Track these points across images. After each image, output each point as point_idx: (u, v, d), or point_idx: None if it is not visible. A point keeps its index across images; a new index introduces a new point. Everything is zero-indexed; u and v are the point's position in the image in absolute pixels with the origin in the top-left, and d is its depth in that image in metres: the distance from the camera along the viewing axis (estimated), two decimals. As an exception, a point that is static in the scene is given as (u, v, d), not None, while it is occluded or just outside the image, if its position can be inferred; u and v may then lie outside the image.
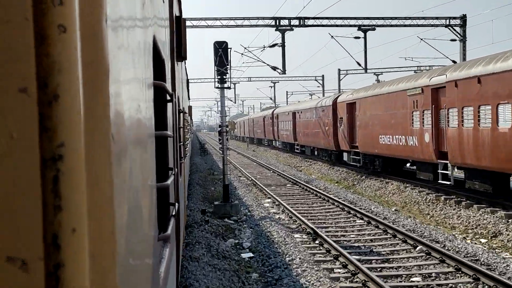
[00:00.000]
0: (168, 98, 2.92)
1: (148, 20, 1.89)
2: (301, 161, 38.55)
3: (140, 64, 1.56)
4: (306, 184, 23.65)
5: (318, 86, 66.74)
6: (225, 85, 18.14)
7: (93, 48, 0.85)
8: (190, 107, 23.89)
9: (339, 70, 57.00)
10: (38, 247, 0.72)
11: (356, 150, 27.21)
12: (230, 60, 17.91)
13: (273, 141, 57.16)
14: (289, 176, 27.37)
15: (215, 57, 17.61)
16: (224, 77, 17.90)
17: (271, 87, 77.42)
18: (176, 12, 5.10)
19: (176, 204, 3.20)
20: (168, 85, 3.27)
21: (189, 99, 25.85)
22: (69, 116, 0.74)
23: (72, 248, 0.74)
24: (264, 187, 23.41)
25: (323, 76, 66.99)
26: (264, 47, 35.83)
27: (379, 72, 59.67)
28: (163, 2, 2.99)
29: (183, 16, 6.22)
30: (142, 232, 1.49)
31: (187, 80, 20.87)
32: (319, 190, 21.32)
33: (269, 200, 20.41)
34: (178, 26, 4.95)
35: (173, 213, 2.93)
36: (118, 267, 0.97)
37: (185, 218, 9.77)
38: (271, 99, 75.87)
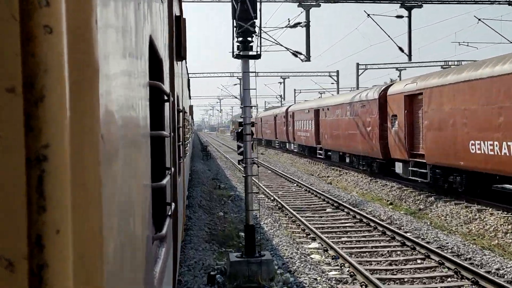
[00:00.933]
0: (165, 98, 2.91)
1: (144, 20, 1.88)
2: (326, 170, 31.04)
3: (134, 64, 1.55)
4: (356, 210, 16.60)
5: (332, 83, 60.24)
6: (251, 53, 10.64)
7: (82, 48, 0.85)
8: (191, 107, 23.54)
9: (358, 64, 49.28)
10: (23, 247, 0.72)
11: (420, 160, 19.37)
12: (260, 13, 10.41)
13: (287, 144, 48.89)
14: (323, 194, 20.41)
15: (234, 5, 10.06)
16: (250, 39, 10.40)
17: (280, 83, 69.47)
18: (176, 11, 5.06)
19: (173, 204, 3.17)
20: (166, 85, 3.28)
21: (190, 98, 25.46)
22: (55, 117, 0.74)
23: (56, 249, 0.73)
24: (296, 214, 16.37)
25: (337, 72, 58.85)
26: (288, 25, 27.59)
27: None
28: (161, 1, 2.99)
29: (184, 16, 6.12)
30: (135, 232, 1.48)
31: (188, 79, 20.10)
32: (385, 225, 13.97)
33: (316, 244, 12.89)
34: (178, 25, 4.94)
35: (169, 213, 2.90)
36: (106, 267, 0.97)
37: (184, 218, 9.40)
38: (280, 96, 67.72)
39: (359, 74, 50.19)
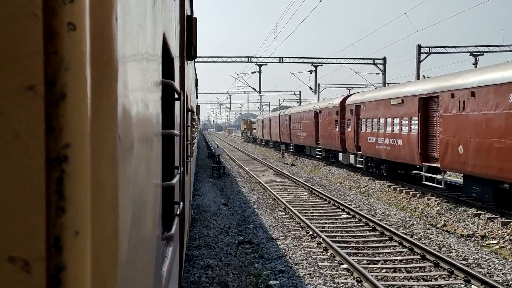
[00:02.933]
0: (176, 96, 2.88)
1: (159, 18, 1.87)
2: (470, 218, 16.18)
3: (149, 63, 1.54)
4: None
5: (378, 73, 49.65)
6: None
7: (102, 46, 0.84)
8: (198, 106, 23.70)
9: (419, 46, 39.10)
10: (41, 248, 0.71)
11: None
12: None
13: (340, 154, 31.57)
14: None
15: None
16: None
17: (311, 72, 60.16)
18: (187, 11, 5.03)
19: (181, 203, 3.15)
20: (177, 84, 3.27)
21: (197, 98, 25.53)
22: (76, 116, 0.73)
23: (74, 251, 0.73)
24: None
25: (384, 59, 47.61)
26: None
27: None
28: (174, 0, 3.00)
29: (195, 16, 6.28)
30: (146, 232, 1.48)
31: (196, 79, 20.06)
32: None
33: None
34: (189, 25, 4.90)
35: (178, 212, 2.87)
36: (120, 268, 0.96)
37: (190, 216, 9.51)
38: (310, 89, 59.46)
39: (421, 60, 39.90)
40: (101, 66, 0.84)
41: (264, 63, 55.11)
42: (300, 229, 14.62)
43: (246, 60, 55.36)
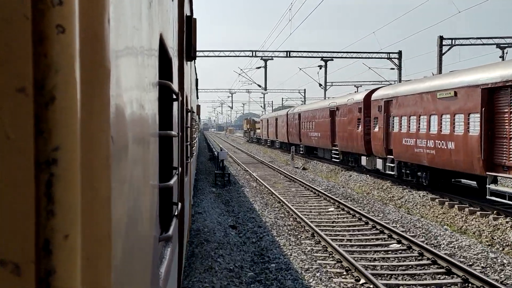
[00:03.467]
0: (174, 97, 2.88)
1: (155, 19, 1.86)
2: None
3: (145, 64, 1.54)
4: None
5: (392, 68, 47.17)
6: None
7: (94, 48, 0.84)
8: (198, 106, 23.51)
9: (441, 37, 36.55)
10: (31, 252, 0.71)
11: None
12: None
13: (364, 158, 26.99)
14: None
15: None
16: None
17: (321, 67, 52.59)
18: (186, 11, 5.03)
19: (179, 204, 3.13)
20: (175, 84, 3.29)
21: (197, 98, 25.00)
22: (65, 119, 0.73)
23: (64, 254, 0.73)
24: None
25: (400, 52, 45.67)
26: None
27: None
28: (172, 1, 2.99)
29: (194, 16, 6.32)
30: (142, 233, 1.48)
31: (196, 79, 19.68)
32: None
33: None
34: (188, 25, 4.90)
35: (176, 213, 2.90)
36: (114, 270, 0.96)
37: (190, 217, 9.48)
38: (320, 85, 54.51)
39: (443, 53, 37.16)
40: (93, 68, 0.83)
41: (270, 58, 50.77)
42: (344, 273, 10.24)
43: (251, 55, 51.09)
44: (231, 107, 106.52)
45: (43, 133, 0.71)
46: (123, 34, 1.11)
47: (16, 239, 0.70)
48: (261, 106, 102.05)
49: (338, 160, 32.15)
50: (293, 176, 27.48)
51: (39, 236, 0.71)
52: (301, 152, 43.60)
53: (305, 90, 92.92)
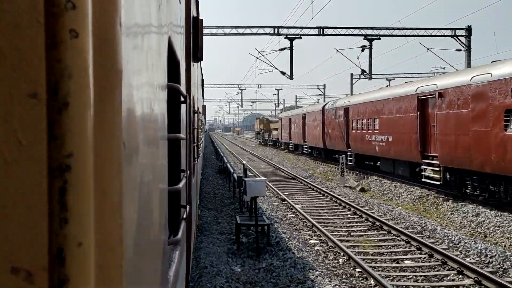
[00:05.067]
0: (182, 99, 2.87)
1: (164, 22, 1.86)
2: None
3: (155, 67, 1.54)
4: None
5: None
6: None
7: (106, 53, 0.84)
8: (204, 106, 23.57)
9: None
10: (44, 260, 0.70)
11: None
12: None
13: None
14: None
15: None
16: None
17: (364, 48, 41.82)
18: (193, 13, 5.07)
19: (187, 206, 3.12)
20: (183, 87, 3.30)
21: (203, 98, 25.21)
22: (78, 125, 0.73)
23: (77, 262, 0.72)
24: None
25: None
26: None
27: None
28: (180, 3, 2.99)
29: (200, 17, 6.32)
30: (153, 237, 1.47)
31: (202, 80, 20.11)
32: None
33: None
34: (195, 27, 4.91)
35: (184, 216, 2.87)
36: (126, 275, 0.96)
37: (197, 218, 9.38)
38: (363, 72, 41.22)
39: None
40: (105, 73, 0.83)
41: (298, 36, 38.61)
42: None
43: (272, 32, 38.91)
44: (241, 105, 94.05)
45: (56, 139, 0.71)
46: (134, 37, 1.10)
47: (29, 247, 0.70)
48: (275, 104, 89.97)
49: (436, 181, 19.13)
50: (373, 214, 15.39)
51: (52, 244, 0.70)
52: (349, 163, 30.07)
53: (324, 85, 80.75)
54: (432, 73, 55.88)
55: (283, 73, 39.60)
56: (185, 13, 3.80)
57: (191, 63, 4.71)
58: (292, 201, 18.82)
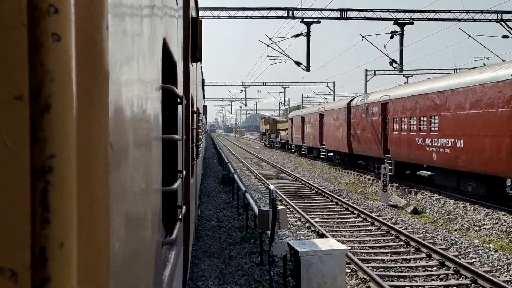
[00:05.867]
0: (178, 100, 2.89)
1: (158, 23, 1.86)
2: None
3: (147, 69, 1.53)
4: None
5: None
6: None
7: (92, 55, 0.84)
8: (204, 107, 22.94)
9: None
10: (27, 259, 0.72)
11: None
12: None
13: None
14: None
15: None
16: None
17: (393, 34, 34.75)
18: (192, 13, 5.04)
19: (184, 207, 3.17)
20: (180, 87, 3.29)
21: (204, 98, 24.81)
22: (61, 127, 0.74)
23: (59, 262, 0.73)
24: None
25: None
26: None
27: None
28: (177, 4, 3.00)
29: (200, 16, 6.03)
30: (145, 237, 1.47)
31: (203, 79, 19.74)
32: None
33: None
34: (193, 27, 4.92)
35: (180, 217, 2.90)
36: (114, 276, 0.96)
37: (196, 218, 9.07)
38: (393, 62, 33.82)
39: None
40: (91, 75, 0.83)
41: (316, 20, 32.78)
42: None
43: (285, 15, 33.46)
44: (245, 104, 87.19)
45: (39, 141, 0.72)
46: (123, 40, 1.10)
47: (13, 247, 0.71)
48: (280, 103, 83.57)
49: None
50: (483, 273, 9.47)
51: (35, 244, 0.71)
52: (391, 173, 22.92)
53: (334, 83, 74.92)
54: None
55: (298, 64, 33.66)
56: (183, 14, 3.82)
57: (190, 63, 4.71)
58: (333, 235, 12.92)
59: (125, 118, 1.14)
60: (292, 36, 33.10)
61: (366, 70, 57.65)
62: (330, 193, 19.86)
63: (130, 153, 1.20)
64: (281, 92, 79.55)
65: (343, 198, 19.11)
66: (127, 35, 1.16)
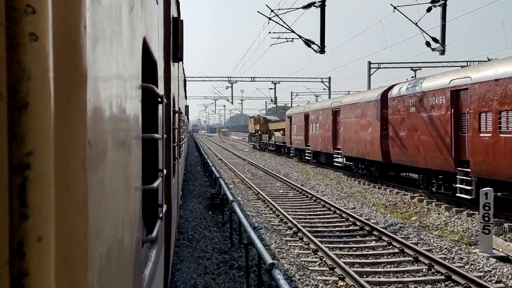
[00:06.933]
0: (159, 100, 2.87)
1: (137, 23, 1.87)
2: None
3: (126, 68, 1.54)
4: None
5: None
6: None
7: (70, 55, 0.85)
8: (186, 107, 22.72)
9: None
10: (5, 253, 0.72)
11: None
12: None
13: None
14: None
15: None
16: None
17: (429, 10, 27.89)
18: (173, 13, 5.01)
19: (165, 205, 3.12)
20: (161, 87, 3.26)
21: (186, 98, 23.89)
22: (38, 124, 0.74)
23: (37, 256, 0.74)
24: None
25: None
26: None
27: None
28: (157, 4, 2.99)
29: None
30: (123, 235, 1.47)
31: (184, 79, 19.63)
32: None
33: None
34: (175, 27, 4.88)
35: (161, 215, 2.87)
36: (92, 271, 0.97)
37: (178, 218, 9.06)
38: (432, 41, 26.47)
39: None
40: (69, 73, 0.84)
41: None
42: None
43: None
44: (231, 101, 78.09)
45: (17, 138, 0.72)
46: (101, 39, 1.11)
47: None
48: (271, 101, 75.53)
49: None
50: None
51: (13, 238, 0.72)
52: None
53: (329, 78, 67.18)
54: None
55: (309, 44, 25.72)
56: (164, 13, 3.83)
57: (171, 63, 4.72)
58: None
59: (104, 116, 1.14)
60: (301, 7, 25.19)
61: (369, 63, 50.51)
62: (386, 232, 12.14)
63: (109, 150, 1.20)
64: (272, 89, 71.81)
65: (417, 245, 11.33)
66: (105, 34, 1.16)
